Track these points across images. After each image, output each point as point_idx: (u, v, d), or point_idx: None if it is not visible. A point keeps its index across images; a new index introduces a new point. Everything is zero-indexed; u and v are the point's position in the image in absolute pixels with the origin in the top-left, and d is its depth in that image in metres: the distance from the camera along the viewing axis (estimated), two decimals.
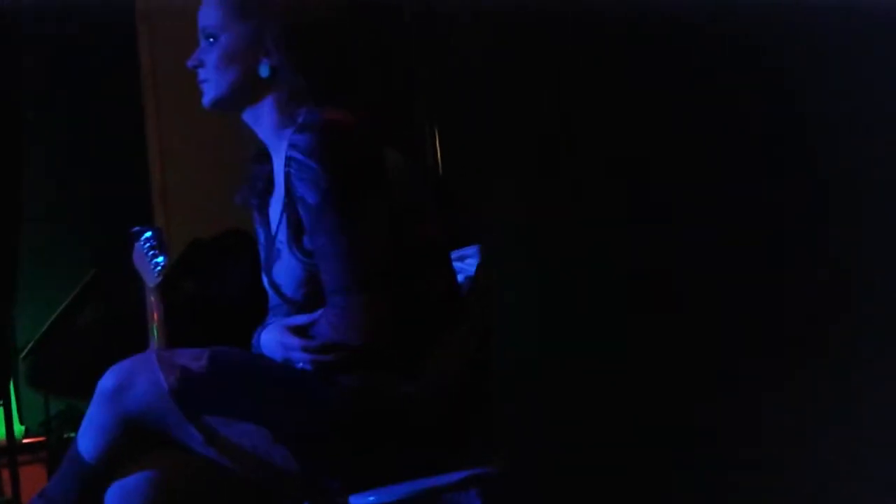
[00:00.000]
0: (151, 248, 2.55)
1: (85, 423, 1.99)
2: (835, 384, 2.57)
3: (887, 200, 2.49)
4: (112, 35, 3.61)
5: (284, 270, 2.06)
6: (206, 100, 2.11)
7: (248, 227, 3.30)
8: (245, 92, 2.08)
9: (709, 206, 2.80)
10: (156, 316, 2.58)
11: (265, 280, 2.13)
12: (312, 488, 1.94)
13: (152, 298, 2.57)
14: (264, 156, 2.16)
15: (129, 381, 1.94)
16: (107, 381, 1.96)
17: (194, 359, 1.95)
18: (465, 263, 2.27)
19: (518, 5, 3.14)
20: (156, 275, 2.55)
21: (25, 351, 3.48)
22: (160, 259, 2.54)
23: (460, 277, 2.20)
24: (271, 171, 2.15)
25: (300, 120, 2.02)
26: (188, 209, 3.61)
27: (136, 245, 2.58)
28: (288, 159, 1.98)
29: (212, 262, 3.36)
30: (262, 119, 2.10)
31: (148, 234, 2.57)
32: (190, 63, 2.11)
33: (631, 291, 2.96)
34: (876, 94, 2.49)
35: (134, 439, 1.95)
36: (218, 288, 3.31)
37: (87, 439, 1.97)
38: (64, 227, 3.59)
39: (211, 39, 2.08)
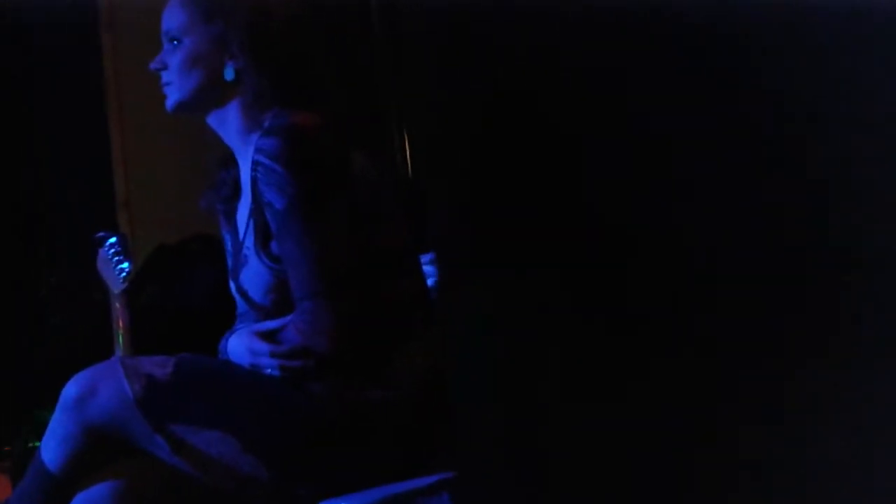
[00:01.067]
0: (116, 253, 2.53)
1: (48, 432, 1.96)
2: (835, 385, 2.58)
3: (888, 201, 2.50)
4: (75, 40, 3.59)
5: (252, 276, 2.04)
6: (170, 103, 2.09)
7: (214, 232, 3.29)
8: (209, 95, 2.06)
9: (702, 206, 2.80)
10: (121, 323, 2.55)
11: (232, 286, 2.11)
12: (282, 496, 1.92)
13: (117, 305, 2.54)
14: (230, 160, 2.14)
15: (93, 390, 1.92)
16: (70, 390, 1.93)
17: (160, 366, 1.93)
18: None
19: (488, 5, 3.13)
20: (121, 281, 2.53)
21: None
22: (125, 265, 2.51)
23: (430, 282, 2.19)
24: (237, 175, 2.13)
25: (266, 124, 2.01)
26: (152, 214, 3.59)
27: (101, 251, 2.55)
28: (254, 164, 1.97)
29: (177, 268, 3.33)
30: (228, 123, 2.08)
31: (112, 239, 2.54)
32: (153, 66, 2.09)
33: (608, 294, 2.95)
34: (876, 94, 2.50)
35: (98, 448, 1.93)
36: (184, 293, 3.28)
37: (51, 449, 1.95)
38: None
39: (174, 42, 2.07)
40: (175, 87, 2.07)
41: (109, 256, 2.54)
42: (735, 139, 2.74)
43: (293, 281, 1.95)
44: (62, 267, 3.47)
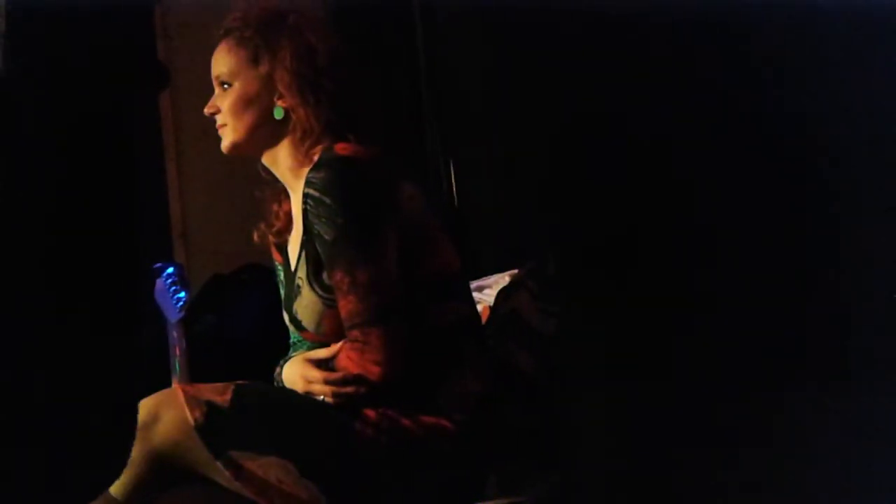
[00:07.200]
0: (173, 283, 2.58)
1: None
2: (836, 387, 2.60)
3: (888, 204, 2.52)
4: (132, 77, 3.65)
5: (305, 306, 2.09)
6: (225, 144, 2.16)
7: (266, 262, 3.33)
8: (262, 135, 2.13)
9: (711, 211, 2.83)
10: (178, 351, 2.60)
11: (286, 317, 2.17)
12: None
13: (174, 333, 2.60)
14: (283, 195, 2.20)
15: (156, 417, 1.97)
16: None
17: (219, 393, 1.98)
18: (484, 294, 2.29)
19: (530, 34, 3.17)
20: (178, 310, 2.58)
21: None
22: (182, 294, 2.57)
23: (478, 308, 2.22)
24: (289, 209, 2.20)
25: (316, 158, 2.07)
26: (207, 245, 3.65)
27: (158, 281, 2.61)
28: (305, 196, 2.02)
29: (231, 297, 3.39)
30: (280, 160, 2.14)
31: (169, 269, 2.60)
32: (207, 111, 2.16)
33: (643, 300, 2.98)
34: (876, 94, 2.52)
35: (161, 474, 1.98)
36: (238, 322, 3.33)
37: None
38: None
39: (225, 86, 2.14)
40: (229, 129, 2.14)
41: (167, 286, 2.60)
42: (733, 139, 2.77)
43: (343, 310, 1.99)
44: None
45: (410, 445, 1.96)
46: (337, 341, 2.03)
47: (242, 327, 3.30)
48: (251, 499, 1.96)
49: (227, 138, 2.15)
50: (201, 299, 3.36)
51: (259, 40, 2.11)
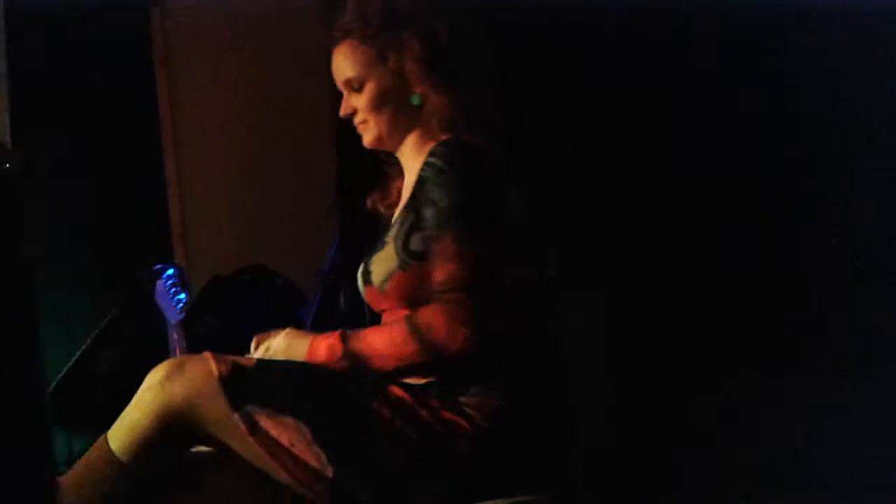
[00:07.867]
0: (173, 285, 2.60)
1: (119, 421, 2.00)
2: (836, 385, 2.60)
3: (888, 202, 2.53)
4: (130, 75, 3.66)
5: (382, 259, 2.09)
6: (369, 139, 2.19)
7: (265, 263, 3.33)
8: (401, 124, 2.17)
9: (712, 208, 2.84)
10: (178, 352, 2.61)
11: (360, 270, 2.16)
12: (342, 495, 1.96)
13: (175, 335, 2.61)
14: (401, 174, 2.24)
15: (181, 366, 1.99)
16: (156, 372, 1.99)
17: (245, 358, 2.04)
18: None
19: (530, 34, 3.18)
20: (178, 311, 2.60)
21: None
22: (182, 296, 2.58)
23: None
24: (402, 187, 2.23)
25: (444, 138, 2.10)
26: (207, 246, 3.65)
27: (158, 283, 2.62)
28: (426, 164, 2.05)
29: (232, 298, 3.39)
30: (408, 142, 2.19)
31: (170, 271, 2.61)
32: (343, 113, 2.19)
33: (636, 302, 3.00)
34: (876, 94, 2.53)
35: (169, 435, 1.97)
36: (238, 323, 3.34)
37: (121, 435, 1.99)
38: (85, 268, 3.63)
39: (357, 87, 2.16)
40: (372, 125, 2.17)
41: (167, 288, 2.61)
42: (735, 139, 2.78)
43: (442, 272, 1.98)
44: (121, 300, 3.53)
45: (423, 434, 1.96)
46: (393, 306, 2.06)
47: (243, 328, 3.30)
48: (259, 469, 1.97)
49: (371, 133, 2.19)
50: (201, 301, 3.37)
51: (383, 37, 2.14)
